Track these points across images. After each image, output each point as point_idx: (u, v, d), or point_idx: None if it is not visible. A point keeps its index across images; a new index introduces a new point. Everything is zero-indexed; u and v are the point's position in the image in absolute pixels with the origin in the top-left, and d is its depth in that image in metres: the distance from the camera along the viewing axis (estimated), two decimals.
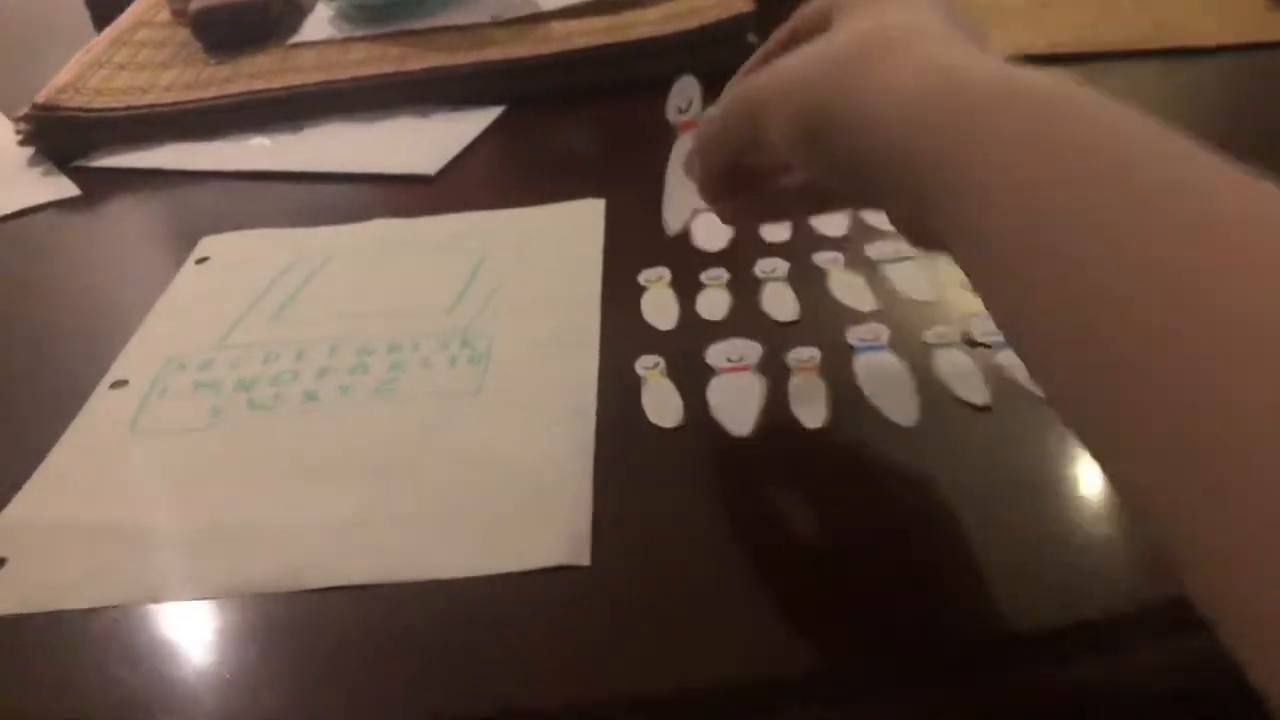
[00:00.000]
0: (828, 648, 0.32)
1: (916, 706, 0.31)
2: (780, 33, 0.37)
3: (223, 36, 0.78)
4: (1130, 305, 0.21)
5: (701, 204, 0.41)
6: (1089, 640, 0.32)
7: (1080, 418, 0.24)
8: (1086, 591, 0.33)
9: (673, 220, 0.43)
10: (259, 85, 0.72)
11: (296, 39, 0.78)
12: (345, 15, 0.80)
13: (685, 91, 0.42)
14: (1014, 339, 0.27)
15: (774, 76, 0.33)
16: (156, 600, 0.36)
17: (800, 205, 0.44)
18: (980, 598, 0.33)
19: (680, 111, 0.42)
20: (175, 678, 0.33)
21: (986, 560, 0.34)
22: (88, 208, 0.64)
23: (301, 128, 0.70)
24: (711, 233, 0.53)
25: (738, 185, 0.39)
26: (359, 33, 0.77)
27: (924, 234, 0.30)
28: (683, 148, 0.42)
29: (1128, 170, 0.23)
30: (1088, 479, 0.37)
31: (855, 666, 0.32)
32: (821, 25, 0.33)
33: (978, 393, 0.41)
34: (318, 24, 0.80)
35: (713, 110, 0.38)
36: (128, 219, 0.64)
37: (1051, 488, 0.37)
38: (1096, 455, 0.23)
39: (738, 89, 0.35)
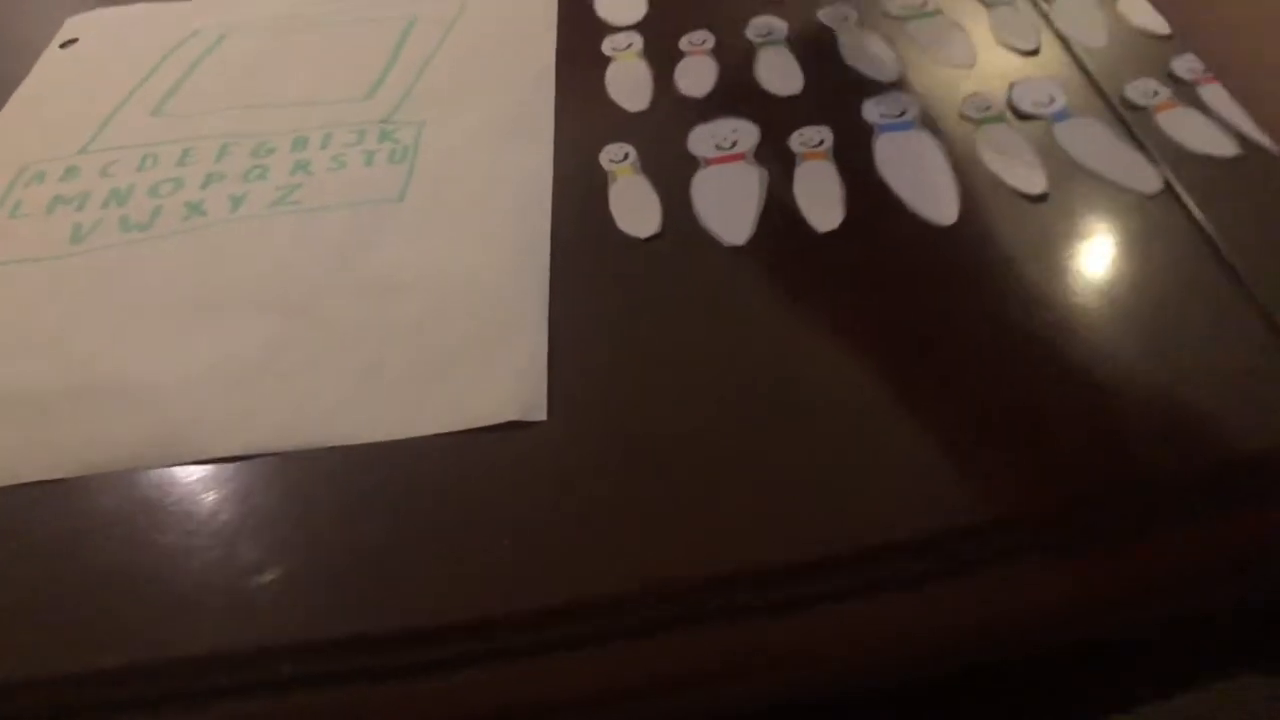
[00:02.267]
0: (841, 529, 0.25)
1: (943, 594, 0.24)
2: None
3: None
4: None
5: None
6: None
7: None
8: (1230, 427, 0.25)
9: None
10: None
11: None
12: None
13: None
14: None
15: None
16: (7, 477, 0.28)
17: None
18: (1054, 448, 0.26)
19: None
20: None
21: (1052, 398, 0.27)
22: None
23: None
24: None
25: None
26: None
27: None
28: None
29: None
30: (1180, 280, 0.29)
31: (872, 549, 0.25)
32: None
33: (1031, 178, 0.32)
34: None
35: None
36: None
37: (1120, 296, 0.29)
38: None
39: None
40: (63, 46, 0.46)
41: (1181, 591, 0.24)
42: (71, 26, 0.47)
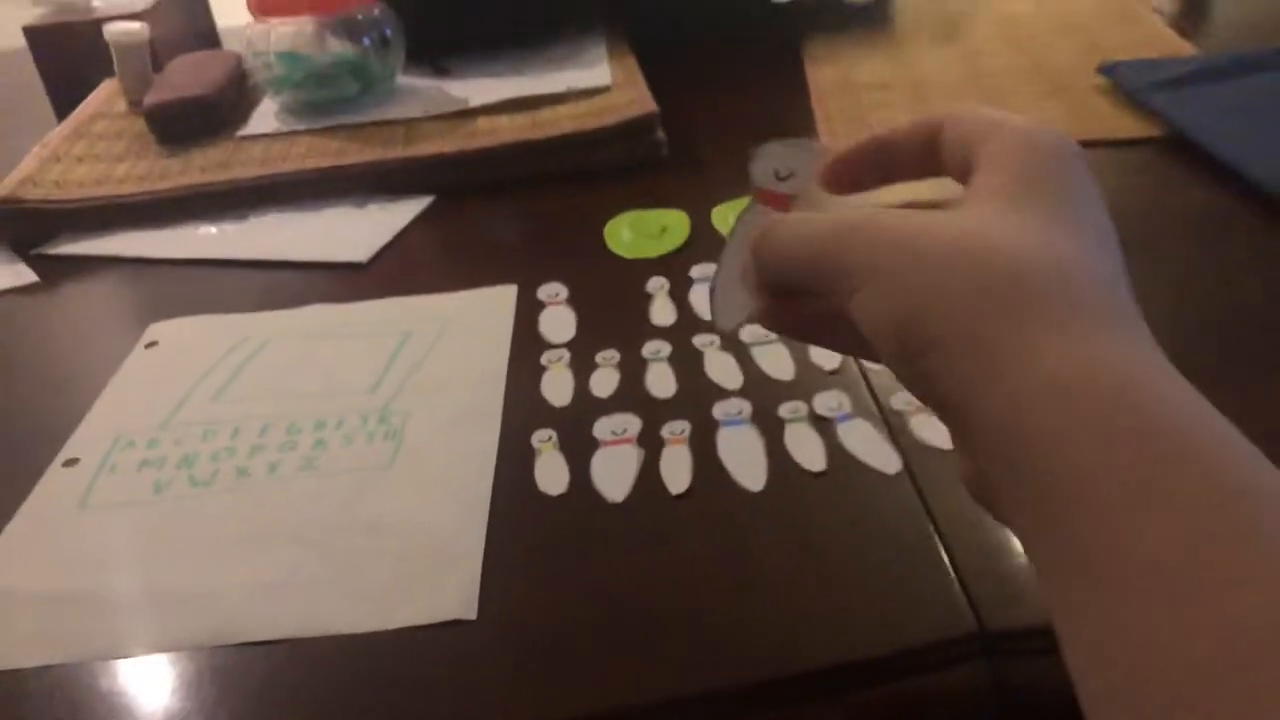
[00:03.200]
0: (685, 680, 0.38)
1: None
2: (891, 133, 0.33)
3: (175, 129, 0.85)
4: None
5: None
6: (905, 665, 0.39)
7: None
8: (904, 618, 0.39)
9: (725, 317, 0.35)
10: (208, 177, 0.78)
11: (245, 131, 0.85)
12: (289, 109, 0.87)
13: (793, 155, 0.33)
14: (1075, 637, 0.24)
15: (881, 233, 0.28)
16: (100, 658, 0.42)
17: (859, 350, 0.33)
18: (817, 630, 0.40)
19: (778, 178, 0.34)
20: None
21: (822, 599, 0.41)
22: (46, 293, 0.70)
23: (246, 217, 0.76)
24: (609, 317, 0.60)
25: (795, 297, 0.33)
26: (302, 126, 0.84)
27: (988, 497, 0.28)
28: (755, 219, 0.33)
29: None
30: (904, 535, 0.43)
31: (713, 693, 0.38)
32: (955, 162, 0.30)
33: (817, 460, 0.48)
34: (264, 117, 0.87)
35: (794, 227, 0.30)
36: (83, 305, 0.70)
37: (871, 543, 0.43)
38: None
39: (835, 222, 0.29)
40: (147, 347, 0.63)
41: None
42: (153, 331, 0.64)
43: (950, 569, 0.41)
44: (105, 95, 0.94)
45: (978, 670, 0.38)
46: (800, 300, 0.32)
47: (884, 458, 0.47)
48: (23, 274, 0.72)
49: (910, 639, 0.39)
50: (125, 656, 0.42)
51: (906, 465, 0.47)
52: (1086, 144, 0.31)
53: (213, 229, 0.75)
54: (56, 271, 0.72)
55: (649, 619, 0.41)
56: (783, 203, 0.34)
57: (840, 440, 0.49)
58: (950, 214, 0.28)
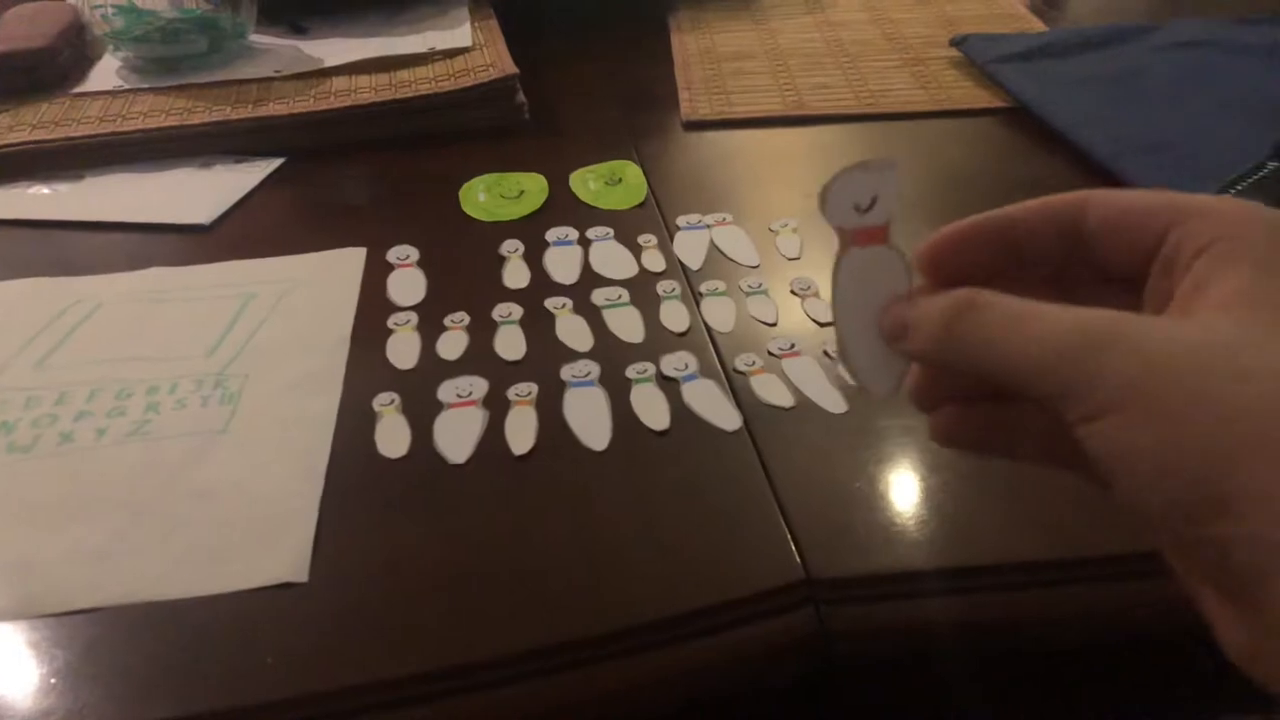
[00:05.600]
0: (519, 638, 0.38)
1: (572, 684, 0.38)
2: (1019, 210, 0.28)
3: (6, 83, 0.80)
4: None
5: (913, 365, 0.30)
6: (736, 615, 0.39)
7: None
8: (737, 570, 0.40)
9: (877, 382, 0.30)
10: (42, 135, 0.74)
11: (82, 88, 0.81)
12: (133, 67, 0.83)
13: (868, 184, 0.29)
14: None
15: (1156, 349, 0.23)
16: None
17: (1033, 455, 0.29)
18: (653, 585, 0.40)
19: (859, 211, 0.29)
20: None
21: (659, 556, 0.41)
22: None
23: (83, 177, 0.73)
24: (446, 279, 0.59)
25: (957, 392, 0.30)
26: (145, 85, 0.80)
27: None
28: (859, 264, 0.30)
29: None
30: (741, 489, 0.44)
31: (546, 648, 0.38)
32: (1144, 242, 0.26)
33: (660, 419, 0.48)
34: (104, 74, 0.83)
35: (1019, 322, 0.25)
36: None
37: (710, 496, 0.44)
38: None
39: (1083, 324, 0.24)
40: None
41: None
42: None
43: (782, 522, 0.42)
44: None
45: (804, 618, 0.39)
46: (985, 400, 0.28)
47: (725, 416, 0.48)
48: None
49: (741, 589, 0.40)
50: None
51: (746, 423, 0.48)
52: (936, 114, 0.32)
53: (45, 189, 0.71)
54: None
55: (488, 580, 0.41)
56: (879, 237, 0.29)
57: (685, 400, 0.49)
58: (1239, 335, 0.23)
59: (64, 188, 0.72)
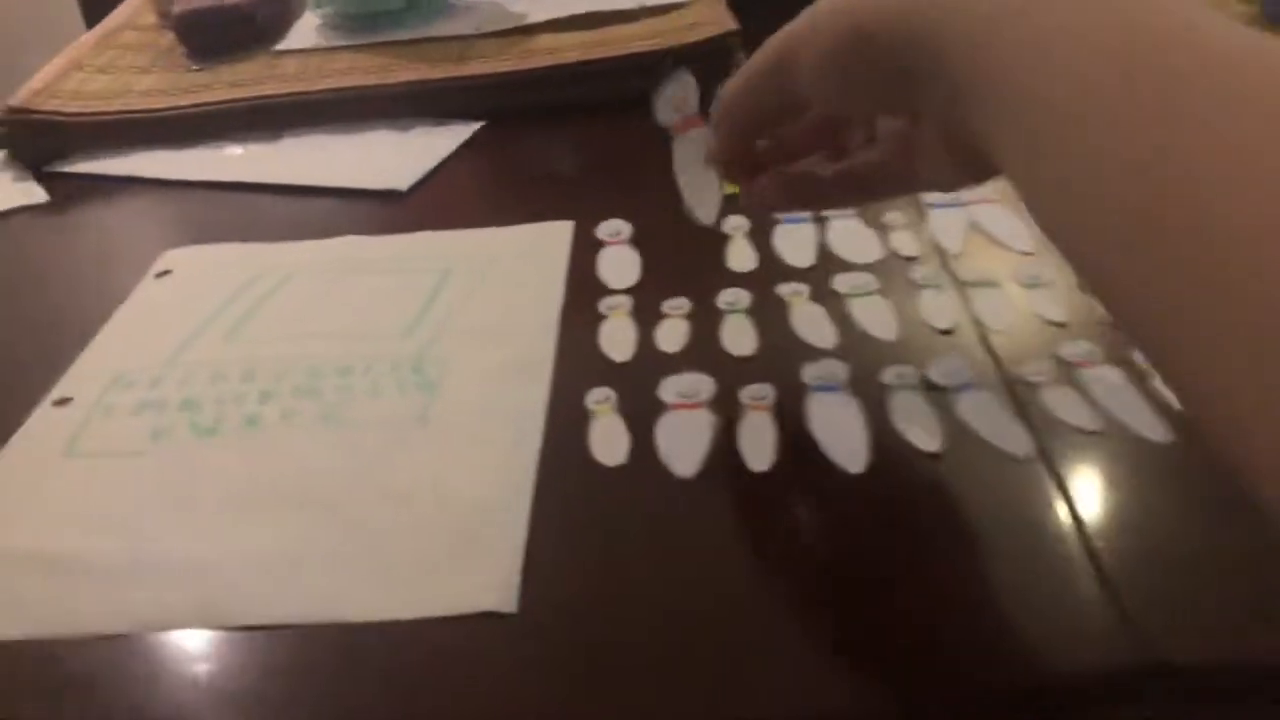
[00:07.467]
0: (768, 704, 0.31)
1: None
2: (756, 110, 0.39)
3: (207, 41, 0.77)
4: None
5: (727, 189, 0.42)
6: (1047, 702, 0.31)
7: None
8: (1046, 653, 0.31)
9: (704, 213, 0.44)
10: (238, 93, 0.71)
11: (282, 46, 0.78)
12: (332, 24, 0.79)
13: (680, 90, 0.42)
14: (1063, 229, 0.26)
15: (804, 18, 0.34)
16: (71, 634, 0.35)
17: (833, 191, 0.41)
18: (939, 651, 0.32)
19: (677, 111, 0.42)
20: (84, 714, 0.33)
21: (941, 612, 0.33)
22: (56, 215, 0.64)
23: (278, 138, 0.69)
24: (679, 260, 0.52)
25: (763, 165, 0.41)
26: (344, 42, 0.77)
27: (962, 139, 0.30)
28: (685, 147, 0.43)
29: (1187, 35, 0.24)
30: (1040, 535, 0.35)
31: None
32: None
33: (931, 438, 0.39)
34: (304, 32, 0.80)
35: (731, 79, 0.38)
36: (94, 228, 0.63)
37: (1000, 542, 0.35)
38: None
39: (766, 43, 0.35)
40: (158, 276, 0.56)
41: None
42: (167, 259, 0.57)
43: (1095, 578, 0.33)
44: (136, 5, 0.86)
45: (1154, 712, 0.30)
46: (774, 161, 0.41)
47: (1013, 438, 0.39)
48: (33, 192, 0.65)
49: (1067, 666, 0.31)
50: (95, 634, 0.35)
51: (1040, 448, 0.39)
52: None
53: (239, 150, 0.68)
54: (69, 191, 0.66)
55: (725, 627, 0.33)
56: (695, 123, 0.42)
57: (958, 415, 0.41)
58: None
59: (258, 149, 0.68)
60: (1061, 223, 0.26)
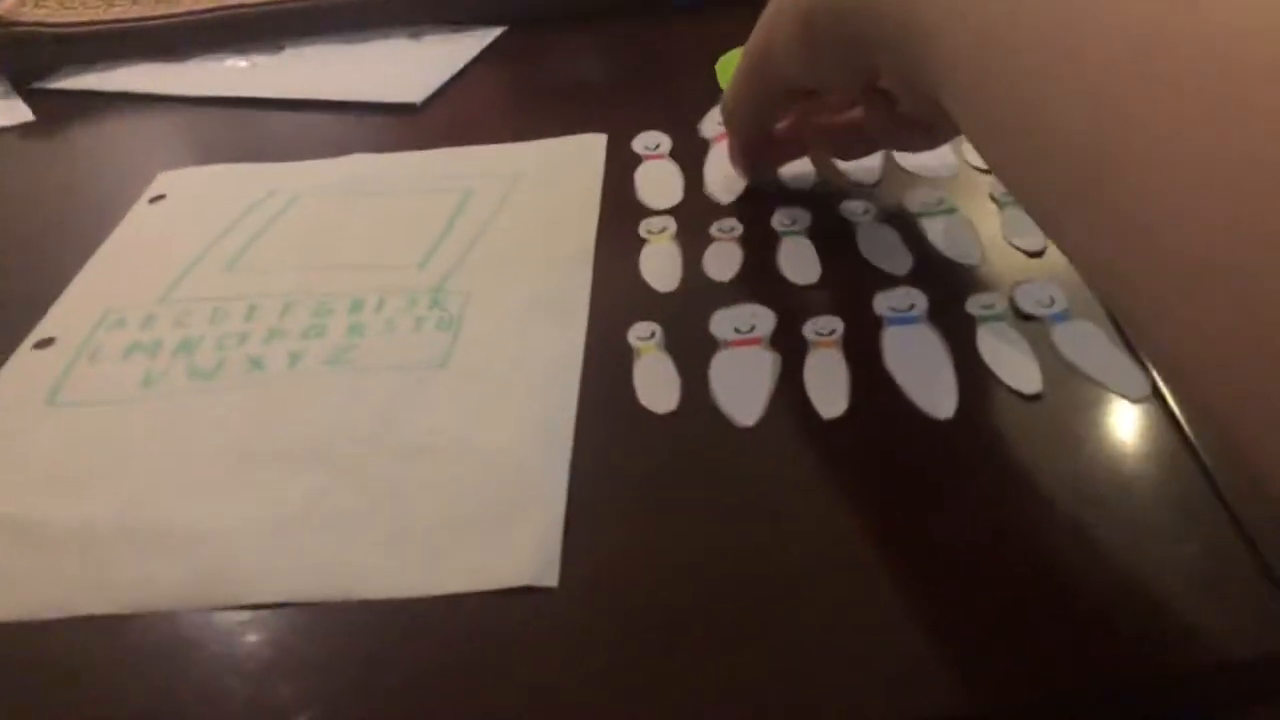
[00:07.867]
0: (841, 691, 0.26)
1: None
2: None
3: None
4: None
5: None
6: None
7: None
8: (1175, 632, 0.27)
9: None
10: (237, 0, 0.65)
11: None
12: None
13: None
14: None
15: (773, 5, 0.36)
16: (51, 614, 0.31)
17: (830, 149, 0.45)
18: (1039, 637, 0.27)
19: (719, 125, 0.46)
20: (66, 705, 0.28)
21: (1050, 573, 0.28)
22: (42, 134, 0.59)
23: (282, 48, 0.64)
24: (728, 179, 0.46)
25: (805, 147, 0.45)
26: None
27: (921, 97, 0.30)
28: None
29: None
30: (1160, 484, 0.30)
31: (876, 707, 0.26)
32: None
33: (1027, 377, 0.34)
34: None
35: (729, 85, 0.41)
36: (82, 150, 0.58)
37: (1110, 494, 0.30)
38: None
39: (749, 39, 0.38)
40: (152, 201, 0.51)
41: None
42: (161, 182, 0.52)
43: (1239, 538, 0.28)
44: None
45: None
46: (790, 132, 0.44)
47: (1123, 375, 0.34)
48: (17, 111, 0.60)
49: (1229, 647, 0.26)
50: (77, 613, 0.30)
51: (1155, 387, 0.33)
52: None
53: (241, 62, 0.63)
54: (56, 109, 0.61)
55: (793, 599, 0.29)
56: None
57: (1057, 348, 0.35)
58: None
59: (261, 60, 0.63)
60: (1005, 163, 0.26)
